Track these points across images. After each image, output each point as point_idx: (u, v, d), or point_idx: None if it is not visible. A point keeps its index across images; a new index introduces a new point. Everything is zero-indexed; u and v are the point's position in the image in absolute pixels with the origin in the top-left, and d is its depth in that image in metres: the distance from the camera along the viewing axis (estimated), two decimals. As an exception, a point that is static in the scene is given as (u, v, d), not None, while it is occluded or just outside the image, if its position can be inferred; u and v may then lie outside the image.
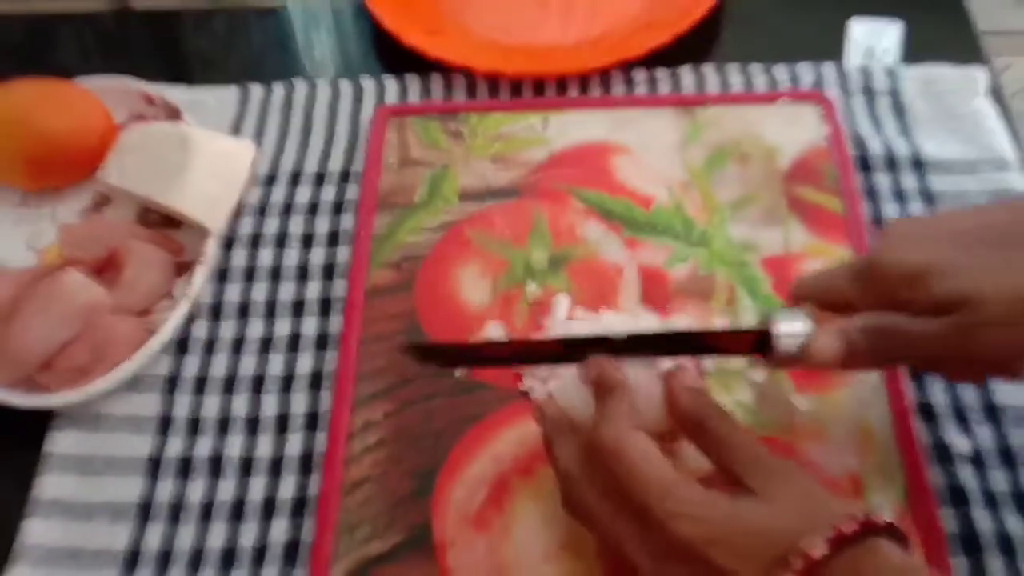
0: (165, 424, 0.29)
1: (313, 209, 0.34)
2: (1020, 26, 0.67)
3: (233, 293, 0.32)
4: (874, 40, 0.38)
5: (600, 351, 0.24)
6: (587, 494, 0.22)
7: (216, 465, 0.28)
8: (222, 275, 0.32)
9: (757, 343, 0.24)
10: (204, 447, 0.29)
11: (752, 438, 0.22)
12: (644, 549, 0.21)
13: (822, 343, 0.23)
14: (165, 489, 0.28)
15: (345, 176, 0.35)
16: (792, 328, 0.23)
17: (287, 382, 0.30)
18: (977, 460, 0.27)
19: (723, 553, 0.19)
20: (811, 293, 0.25)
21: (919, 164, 0.34)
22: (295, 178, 0.35)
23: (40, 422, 0.29)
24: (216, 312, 0.32)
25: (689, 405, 0.23)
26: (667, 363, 0.24)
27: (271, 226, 0.34)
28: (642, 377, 0.24)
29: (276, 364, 0.30)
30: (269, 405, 0.29)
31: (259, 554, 0.27)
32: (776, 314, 0.24)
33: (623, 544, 0.22)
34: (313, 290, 0.32)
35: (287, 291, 0.32)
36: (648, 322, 0.29)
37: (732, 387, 0.28)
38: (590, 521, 0.23)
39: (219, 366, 0.30)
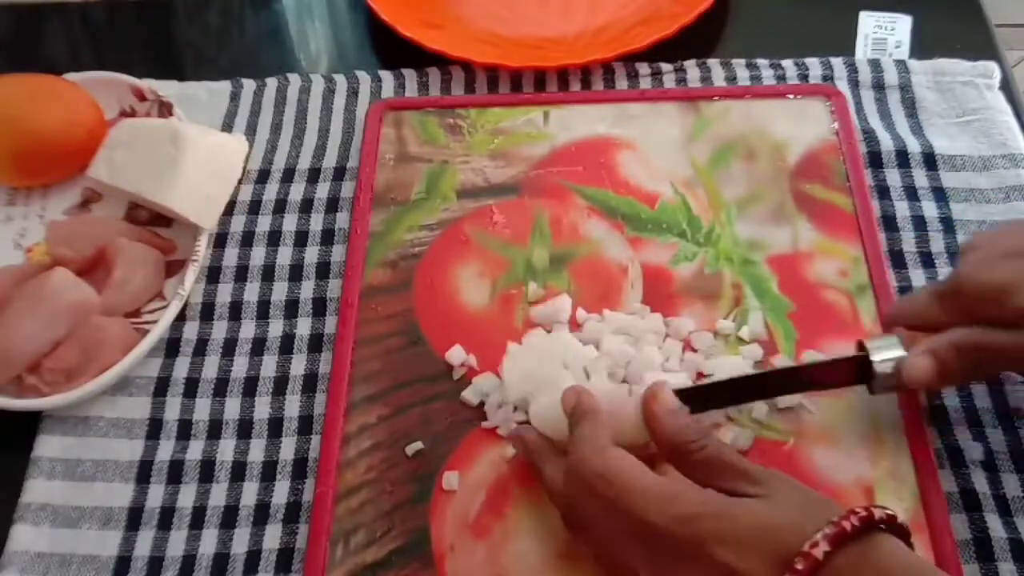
0: (155, 427, 0.29)
1: (307, 206, 0.33)
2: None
3: (225, 293, 0.31)
4: (885, 33, 0.37)
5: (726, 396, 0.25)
6: (586, 513, 0.22)
7: (208, 469, 0.28)
8: (214, 274, 0.32)
9: (857, 373, 0.26)
10: (195, 451, 0.28)
11: (737, 454, 0.22)
12: (648, 564, 0.21)
13: (914, 363, 0.24)
14: (155, 494, 0.27)
15: (340, 172, 0.34)
16: (887, 354, 0.25)
17: (280, 384, 0.29)
18: (990, 465, 0.26)
19: (731, 551, 0.19)
20: (901, 319, 0.27)
21: (930, 160, 0.33)
22: (289, 174, 0.34)
23: (28, 425, 0.29)
24: (208, 312, 0.31)
25: (669, 430, 0.23)
26: (643, 368, 0.26)
27: (264, 224, 0.33)
28: (614, 393, 0.25)
29: (269, 366, 0.30)
30: (262, 408, 0.29)
31: (252, 561, 0.26)
32: (870, 341, 0.26)
33: (627, 559, 0.21)
34: (307, 290, 0.31)
35: (280, 291, 0.31)
36: (654, 321, 0.29)
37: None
38: (592, 538, 0.23)
39: (211, 368, 0.30)
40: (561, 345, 0.27)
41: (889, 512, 0.20)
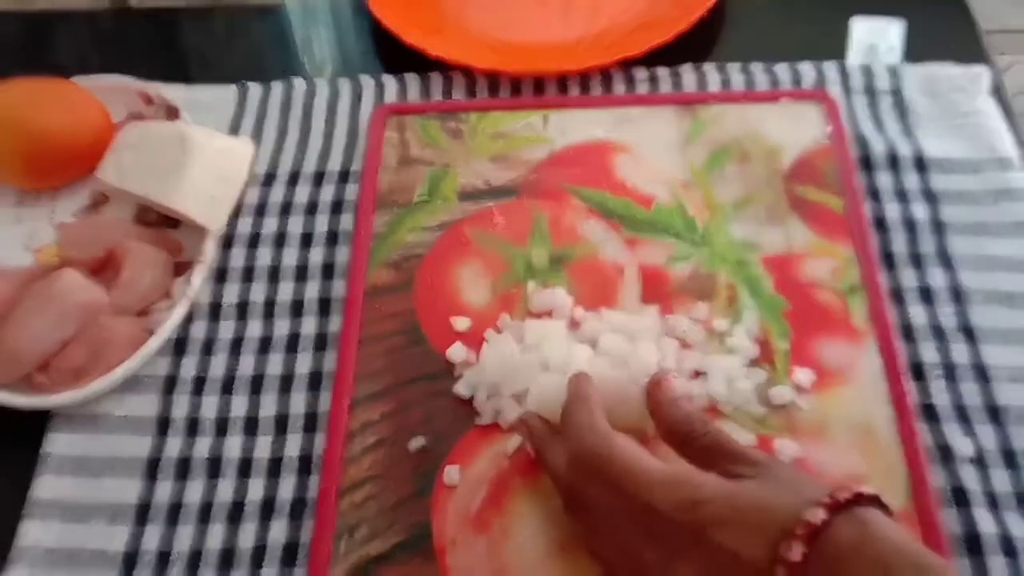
0: (163, 425, 0.29)
1: (312, 208, 0.34)
2: (1022, 25, 0.66)
3: (232, 293, 0.32)
4: (877, 39, 0.38)
5: None
6: (588, 496, 0.23)
7: (215, 466, 0.28)
8: (221, 275, 0.32)
9: None
10: (202, 448, 0.29)
11: (736, 440, 0.23)
12: (649, 546, 0.21)
13: None
14: (163, 490, 0.28)
15: (344, 175, 0.35)
16: None
17: (286, 382, 0.30)
18: (980, 461, 0.27)
19: (732, 534, 0.20)
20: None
21: (921, 163, 0.34)
22: (294, 177, 0.35)
23: (38, 423, 0.29)
24: (215, 312, 0.31)
25: (674, 418, 0.24)
26: (640, 365, 0.26)
27: (270, 225, 0.34)
28: (616, 378, 0.25)
29: (275, 364, 0.30)
30: (268, 405, 0.29)
31: (258, 555, 0.26)
32: None
33: (628, 541, 0.22)
34: (312, 290, 0.32)
35: (286, 291, 0.32)
36: (651, 320, 0.29)
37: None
38: (593, 522, 0.23)
39: (218, 366, 0.30)
40: (537, 330, 0.28)
41: (875, 492, 0.20)
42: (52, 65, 0.37)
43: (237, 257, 0.33)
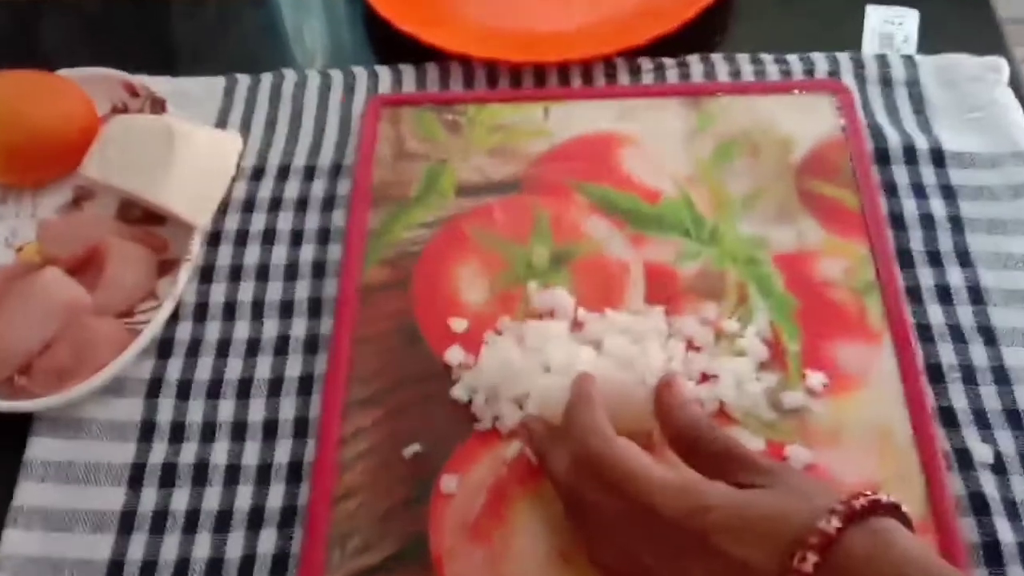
0: (148, 430, 0.28)
1: (302, 204, 0.33)
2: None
3: (218, 293, 0.31)
4: (892, 27, 0.37)
5: None
6: (589, 499, 0.22)
7: (201, 473, 0.27)
8: (207, 274, 0.32)
9: None
10: (188, 454, 0.28)
11: (745, 446, 0.22)
12: (651, 551, 0.21)
13: None
14: (148, 497, 0.27)
15: (336, 170, 0.34)
16: None
17: (275, 386, 0.29)
18: (999, 467, 0.26)
19: (739, 541, 0.19)
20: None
21: (939, 157, 0.33)
22: (284, 172, 0.34)
23: (19, 427, 0.28)
24: (201, 312, 0.31)
25: (682, 423, 0.23)
26: (646, 368, 0.25)
27: (258, 222, 0.33)
28: (620, 380, 0.25)
29: (263, 367, 0.29)
30: (256, 410, 0.28)
31: (246, 566, 0.26)
32: None
33: (628, 544, 0.21)
34: (302, 289, 0.31)
35: (275, 290, 0.31)
36: (657, 321, 0.28)
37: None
38: (594, 526, 0.23)
39: (204, 369, 0.29)
40: (538, 332, 0.27)
41: (894, 500, 0.20)
42: (35, 55, 0.36)
43: (224, 255, 0.32)
